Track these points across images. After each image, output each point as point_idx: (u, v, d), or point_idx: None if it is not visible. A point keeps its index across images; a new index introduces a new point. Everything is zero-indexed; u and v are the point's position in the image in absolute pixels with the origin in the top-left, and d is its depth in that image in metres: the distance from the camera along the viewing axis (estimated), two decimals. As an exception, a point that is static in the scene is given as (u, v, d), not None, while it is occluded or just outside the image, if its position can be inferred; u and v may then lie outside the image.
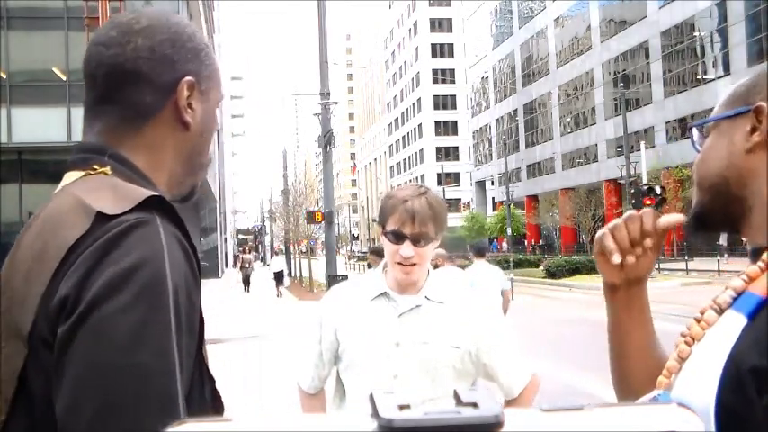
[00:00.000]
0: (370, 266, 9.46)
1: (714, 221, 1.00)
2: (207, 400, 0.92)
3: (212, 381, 0.92)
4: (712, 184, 0.97)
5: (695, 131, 1.02)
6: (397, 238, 1.89)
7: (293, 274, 34.06)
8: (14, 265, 0.90)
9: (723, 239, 33.31)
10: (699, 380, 0.85)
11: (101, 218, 0.86)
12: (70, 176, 0.97)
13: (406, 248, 1.88)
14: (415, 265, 1.90)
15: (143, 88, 0.98)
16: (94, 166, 0.95)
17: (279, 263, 28.75)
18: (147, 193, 0.90)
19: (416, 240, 1.88)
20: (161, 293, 0.81)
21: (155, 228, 0.86)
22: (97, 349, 0.78)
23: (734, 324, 0.85)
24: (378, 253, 11.76)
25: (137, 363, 0.78)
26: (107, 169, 0.95)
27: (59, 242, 0.86)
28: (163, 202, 0.90)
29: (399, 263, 1.90)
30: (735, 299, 0.88)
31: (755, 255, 0.91)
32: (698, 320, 0.91)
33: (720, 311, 0.89)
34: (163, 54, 0.98)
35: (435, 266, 12.55)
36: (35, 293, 0.83)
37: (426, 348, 1.89)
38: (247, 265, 29.73)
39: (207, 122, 1.06)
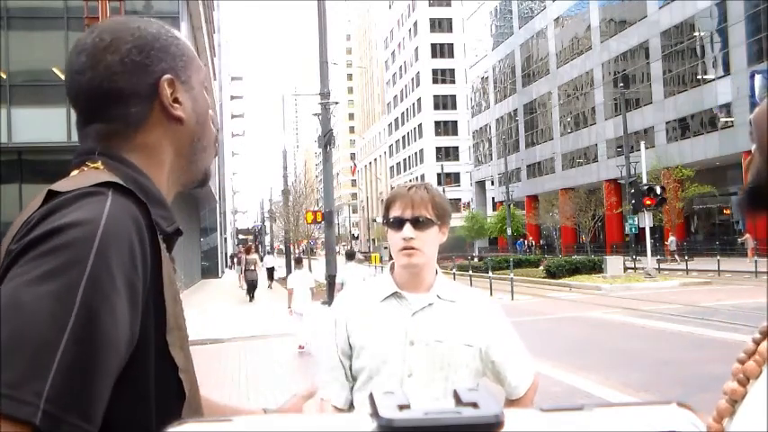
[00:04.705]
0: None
1: None
2: (171, 388, 0.90)
3: (175, 368, 0.90)
4: None
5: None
6: (399, 223, 1.94)
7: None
8: None
9: (673, 244, 33.57)
10: (756, 428, 0.73)
11: (53, 195, 0.87)
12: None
13: (407, 230, 1.92)
14: (416, 249, 1.92)
15: (126, 101, 0.99)
16: (87, 163, 0.97)
17: (271, 260, 32.02)
18: (107, 177, 0.90)
19: (416, 222, 1.92)
20: (83, 253, 0.80)
21: (101, 199, 0.86)
22: (8, 289, 0.78)
23: None
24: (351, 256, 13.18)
25: (35, 307, 0.75)
26: (98, 164, 0.96)
27: (16, 223, 0.88)
28: (120, 185, 0.90)
29: (403, 248, 1.93)
30: None
31: None
32: (749, 352, 0.78)
33: None
34: (134, 62, 0.99)
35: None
36: None
37: (440, 347, 1.90)
38: (252, 267, 24.17)
39: (198, 108, 1.06)
